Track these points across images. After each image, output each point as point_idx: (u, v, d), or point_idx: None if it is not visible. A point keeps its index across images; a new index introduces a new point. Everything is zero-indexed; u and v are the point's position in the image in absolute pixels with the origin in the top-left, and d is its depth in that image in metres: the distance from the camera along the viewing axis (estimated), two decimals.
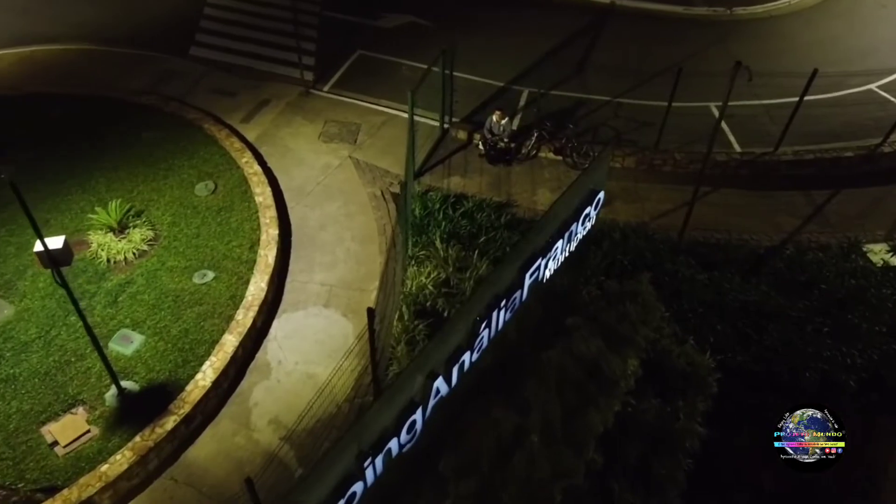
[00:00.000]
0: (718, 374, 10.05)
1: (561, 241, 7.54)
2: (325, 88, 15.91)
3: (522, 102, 15.55)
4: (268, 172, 13.29)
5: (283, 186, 13.13)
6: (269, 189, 12.57)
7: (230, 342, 10.06)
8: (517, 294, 7.02)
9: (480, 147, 13.93)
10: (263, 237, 11.66)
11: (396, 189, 13.21)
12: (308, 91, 15.66)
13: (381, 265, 11.66)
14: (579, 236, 8.12)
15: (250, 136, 14.25)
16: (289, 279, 11.48)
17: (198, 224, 11.97)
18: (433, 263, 11.08)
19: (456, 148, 14.31)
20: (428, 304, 10.66)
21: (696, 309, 10.88)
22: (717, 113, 15.33)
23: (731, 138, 14.60)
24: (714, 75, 15.80)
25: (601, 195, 8.17)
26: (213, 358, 9.88)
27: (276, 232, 11.73)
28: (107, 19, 18.11)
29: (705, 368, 10.07)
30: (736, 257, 11.90)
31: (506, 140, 13.65)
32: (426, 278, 10.85)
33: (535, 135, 13.77)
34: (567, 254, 8.08)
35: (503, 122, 13.53)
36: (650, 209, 13.00)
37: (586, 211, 7.85)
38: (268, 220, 11.96)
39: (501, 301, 6.71)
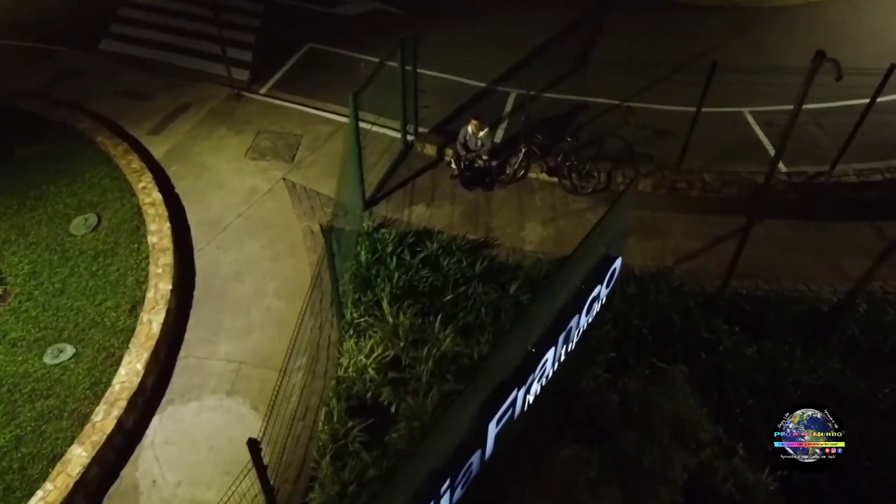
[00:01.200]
0: (782, 499, 7.02)
1: (554, 347, 4.50)
2: (262, 90, 12.87)
3: (509, 108, 12.51)
4: (174, 201, 10.27)
5: (191, 219, 10.08)
6: (167, 225, 9.52)
7: (77, 458, 7.01)
8: (475, 456, 3.97)
9: (453, 166, 10.89)
10: (151, 294, 8.61)
11: (343, 223, 10.15)
12: (239, 94, 12.61)
13: (309, 331, 8.61)
14: (583, 328, 5.08)
15: (158, 153, 11.20)
16: (182, 353, 8.43)
17: (65, 275, 8.91)
18: (378, 335, 8.03)
19: (422, 167, 11.26)
20: (368, 395, 7.63)
21: (744, 399, 7.83)
22: (752, 120, 12.41)
23: (773, 153, 11.51)
24: (746, 73, 12.89)
25: (618, 263, 5.13)
26: (48, 485, 6.83)
27: (169, 287, 8.67)
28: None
29: (763, 491, 7.04)
30: (793, 318, 8.85)
31: (485, 157, 10.61)
32: (367, 357, 7.81)
33: (524, 150, 10.73)
34: (563, 357, 5.03)
35: (481, 133, 10.49)
36: (674, 248, 9.95)
37: (595, 291, 4.81)
38: (160, 270, 8.90)
39: (444, 482, 3.67)
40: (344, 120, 11.94)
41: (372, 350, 7.87)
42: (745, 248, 9.22)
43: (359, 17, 15.45)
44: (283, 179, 10.80)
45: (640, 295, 8.84)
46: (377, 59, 12.19)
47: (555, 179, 10.88)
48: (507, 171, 10.90)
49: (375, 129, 10.98)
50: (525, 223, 10.28)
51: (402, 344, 7.91)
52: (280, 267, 9.40)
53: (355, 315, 8.38)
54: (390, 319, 8.11)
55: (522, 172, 10.97)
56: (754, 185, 10.64)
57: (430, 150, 11.40)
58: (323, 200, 10.49)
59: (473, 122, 10.40)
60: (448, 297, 8.57)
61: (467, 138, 10.61)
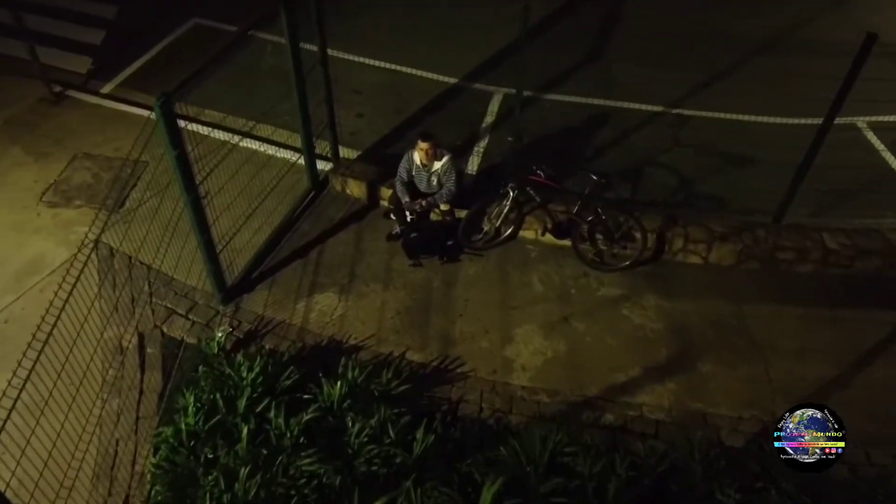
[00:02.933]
0: None
1: None
2: (105, 88, 8.42)
3: (491, 117, 8.08)
4: None
5: None
6: None
7: None
8: None
9: (392, 217, 6.46)
10: None
11: (183, 330, 5.71)
12: (61, 93, 8.16)
13: None
14: None
15: None
16: None
17: None
18: None
19: (339, 219, 6.82)
20: None
21: None
22: (874, 138, 8.04)
23: None
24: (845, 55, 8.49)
25: None
26: None
27: None
28: None
29: None
30: None
31: (443, 206, 6.17)
32: None
33: (512, 193, 6.20)
34: None
35: (437, 164, 6.06)
36: (786, 380, 5.51)
37: None
38: None
39: None
40: (227, 135, 7.46)
41: None
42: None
43: None
44: (96, 244, 6.32)
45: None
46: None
47: (566, 243, 6.44)
48: (485, 230, 6.45)
49: (260, 149, 6.64)
50: (514, 328, 5.83)
51: None
52: (45, 431, 4.92)
53: None
54: None
55: (510, 231, 6.52)
56: None
57: (357, 189, 6.94)
58: (160, 283, 6.05)
59: (421, 144, 5.93)
60: None
61: (413, 173, 6.17)
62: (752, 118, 7.88)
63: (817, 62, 5.90)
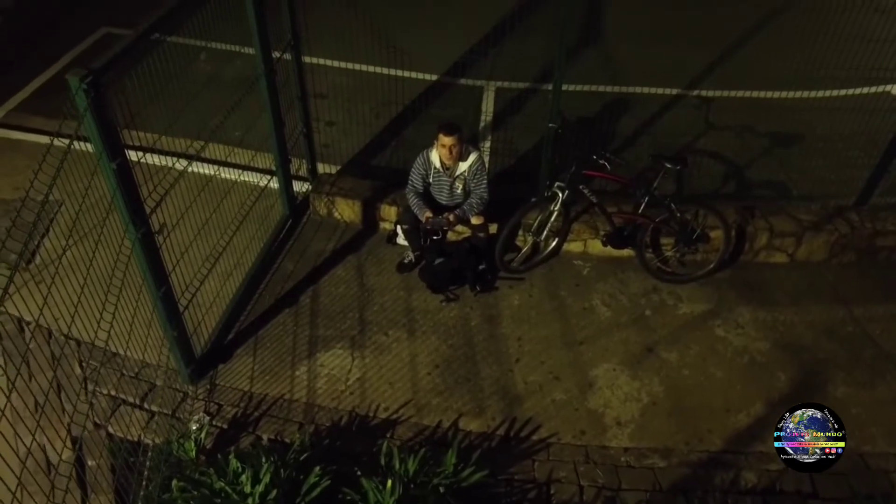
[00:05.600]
0: None
1: None
2: None
3: (488, 115, 6.82)
4: None
5: None
6: None
7: None
8: None
9: (400, 241, 5.08)
10: None
11: (139, 427, 4.08)
12: None
13: None
14: None
15: None
16: None
17: None
18: None
19: (331, 252, 5.35)
20: None
21: None
22: None
23: None
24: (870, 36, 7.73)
25: None
26: None
27: None
28: None
29: None
30: None
31: (473, 219, 4.82)
32: None
33: (560, 195, 4.85)
34: None
35: (464, 165, 4.71)
36: None
37: None
38: None
39: None
40: (161, 163, 5.84)
41: None
42: None
43: None
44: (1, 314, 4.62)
45: None
46: (233, 47, 6.50)
47: (624, 254, 5.20)
48: (523, 251, 5.14)
49: (217, 174, 5.12)
50: (590, 369, 4.51)
51: None
52: None
53: None
54: None
55: (553, 244, 5.23)
56: None
57: (349, 210, 5.50)
58: (96, 363, 4.39)
59: (444, 139, 4.55)
60: None
61: (431, 180, 4.80)
62: (780, 95, 6.92)
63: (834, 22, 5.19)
